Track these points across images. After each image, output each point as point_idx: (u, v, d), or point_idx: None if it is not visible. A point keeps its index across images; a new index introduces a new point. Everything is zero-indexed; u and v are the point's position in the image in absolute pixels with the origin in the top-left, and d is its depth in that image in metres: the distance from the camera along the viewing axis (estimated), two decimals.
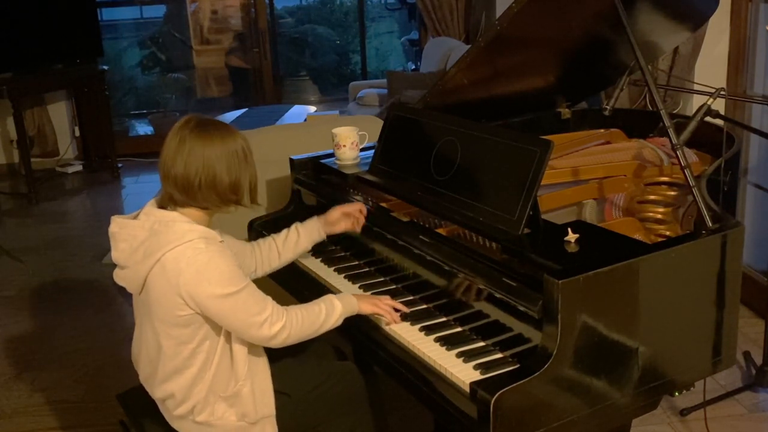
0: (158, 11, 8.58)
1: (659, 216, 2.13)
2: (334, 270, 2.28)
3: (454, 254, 1.88)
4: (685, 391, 1.87)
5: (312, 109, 6.44)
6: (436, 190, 2.07)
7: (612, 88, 2.56)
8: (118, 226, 1.87)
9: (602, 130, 2.73)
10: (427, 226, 2.07)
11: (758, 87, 3.69)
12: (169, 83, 8.43)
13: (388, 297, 2.00)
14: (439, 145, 2.11)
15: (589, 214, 2.14)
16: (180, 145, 1.80)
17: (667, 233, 2.02)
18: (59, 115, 6.63)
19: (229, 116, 6.24)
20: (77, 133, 6.78)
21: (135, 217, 1.88)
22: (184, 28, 8.13)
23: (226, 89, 8.31)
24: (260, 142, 3.21)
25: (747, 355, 3.14)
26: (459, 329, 1.88)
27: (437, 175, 2.09)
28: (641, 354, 1.70)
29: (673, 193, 2.24)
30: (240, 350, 1.90)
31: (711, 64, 3.73)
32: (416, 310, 2.00)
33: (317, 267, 2.34)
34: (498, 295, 1.74)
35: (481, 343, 1.81)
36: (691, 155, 2.36)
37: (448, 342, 1.82)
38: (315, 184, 2.54)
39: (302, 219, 2.60)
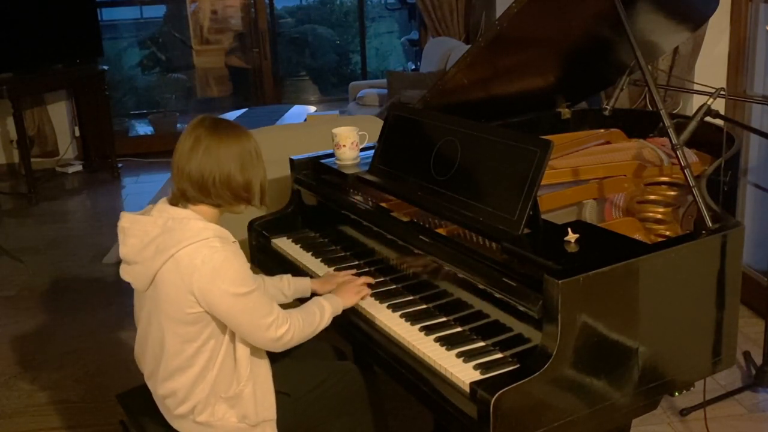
0: (158, 11, 8.58)
1: (659, 216, 2.13)
2: (335, 270, 2.28)
3: (454, 254, 1.88)
4: (685, 391, 1.87)
5: (312, 109, 6.44)
6: (436, 190, 2.07)
7: (612, 88, 2.56)
8: (129, 221, 1.87)
9: (602, 130, 2.73)
10: (427, 226, 2.07)
11: (758, 87, 3.69)
12: (169, 83, 8.43)
13: (352, 277, 2.12)
14: (439, 145, 2.11)
15: (589, 214, 2.14)
16: (195, 143, 1.83)
17: (667, 233, 2.02)
18: (59, 115, 6.63)
19: (229, 116, 6.23)
20: (77, 133, 6.78)
21: (145, 214, 1.89)
22: (184, 28, 8.13)
23: (226, 89, 8.31)
24: (260, 142, 3.20)
25: (747, 355, 3.14)
26: (459, 329, 1.89)
27: (437, 175, 2.09)
28: (641, 354, 1.70)
29: (673, 193, 2.24)
30: (243, 351, 1.90)
31: (711, 64, 3.74)
32: (416, 310, 2.00)
33: (317, 267, 2.34)
34: (498, 295, 1.74)
35: (481, 343, 1.81)
36: (691, 155, 2.36)
37: (448, 342, 1.82)
38: (315, 184, 2.54)
39: (303, 218, 2.61)
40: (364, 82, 7.30)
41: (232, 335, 1.89)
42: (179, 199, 1.87)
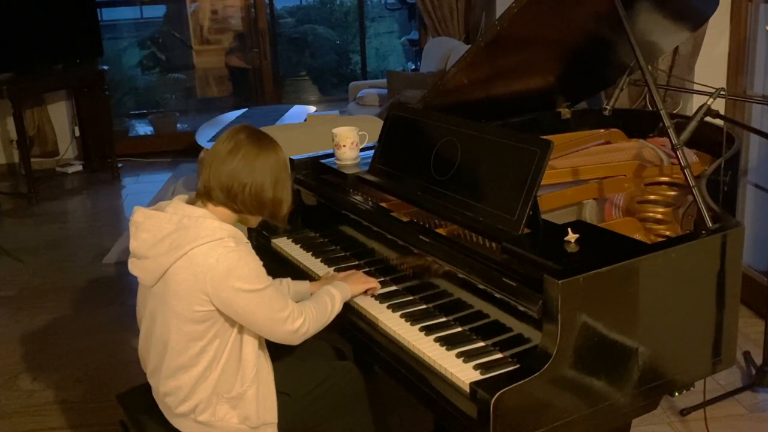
0: (158, 11, 8.58)
1: (659, 216, 2.13)
2: (335, 270, 2.28)
3: (454, 254, 1.88)
4: (685, 391, 1.87)
5: (312, 109, 6.44)
6: (435, 190, 2.07)
7: (612, 88, 2.56)
8: (143, 216, 1.88)
9: (602, 130, 2.73)
10: (427, 226, 2.07)
11: (758, 87, 3.69)
12: (169, 83, 8.43)
13: (357, 272, 2.15)
14: (439, 145, 2.11)
15: (589, 214, 2.14)
16: (235, 148, 1.86)
17: (667, 233, 2.02)
18: (59, 115, 6.63)
19: (229, 116, 6.24)
20: (77, 133, 6.78)
21: (158, 210, 1.89)
22: (184, 28, 8.12)
23: (226, 89, 8.31)
24: None
25: (747, 355, 3.14)
26: (459, 329, 1.89)
27: (437, 175, 2.09)
28: (641, 354, 1.71)
29: (673, 193, 2.24)
30: (250, 352, 1.91)
31: (711, 64, 3.73)
32: (416, 310, 2.00)
33: (317, 267, 2.34)
34: (498, 295, 1.74)
35: (481, 343, 1.81)
36: (691, 155, 2.36)
37: (448, 342, 1.82)
38: (315, 184, 2.54)
39: (303, 218, 2.61)
40: (364, 82, 7.30)
41: (238, 336, 1.89)
42: (201, 197, 1.89)
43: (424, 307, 2.01)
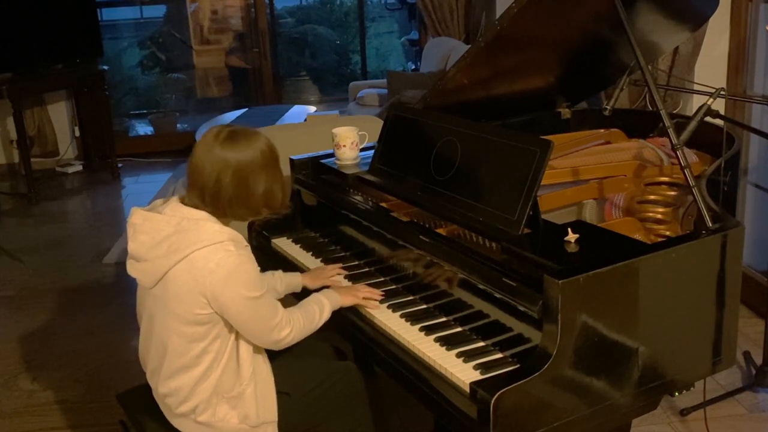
0: (158, 11, 8.58)
1: (659, 216, 2.13)
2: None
3: (454, 254, 1.88)
4: (685, 391, 1.87)
5: (312, 109, 6.44)
6: (435, 190, 2.07)
7: (612, 88, 2.56)
8: (141, 218, 1.87)
9: (602, 130, 2.73)
10: (427, 226, 2.07)
11: (758, 87, 3.69)
12: (169, 83, 8.43)
13: (363, 285, 2.10)
14: (439, 145, 2.11)
15: (589, 214, 2.14)
16: (207, 158, 1.81)
17: (667, 233, 2.02)
18: (59, 115, 6.63)
19: (229, 116, 6.24)
20: (77, 133, 6.78)
21: (154, 210, 1.88)
22: (184, 28, 8.12)
23: (226, 89, 8.31)
24: None
25: (747, 355, 3.14)
26: (459, 329, 1.89)
27: (437, 175, 2.09)
28: (641, 354, 1.71)
29: (673, 193, 2.24)
30: (246, 351, 1.91)
31: (711, 64, 3.73)
32: (416, 310, 2.00)
33: (318, 266, 2.34)
34: (498, 295, 1.74)
35: (481, 343, 1.81)
36: (691, 155, 2.36)
37: (448, 342, 1.82)
38: (315, 184, 2.55)
39: (303, 218, 2.61)
40: (364, 82, 7.30)
41: (237, 335, 1.89)
42: (194, 201, 1.86)
43: (424, 307, 2.01)
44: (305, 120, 5.10)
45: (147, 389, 2.03)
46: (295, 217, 2.63)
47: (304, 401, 2.02)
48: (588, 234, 1.79)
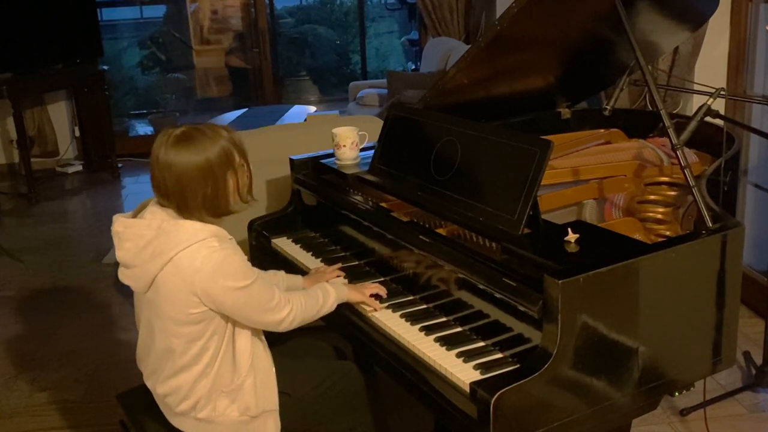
0: (158, 11, 8.59)
1: (659, 216, 2.13)
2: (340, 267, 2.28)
3: (454, 254, 1.88)
4: (685, 391, 1.87)
5: (312, 109, 6.44)
6: (435, 190, 2.07)
7: (612, 88, 2.56)
8: (122, 225, 1.87)
9: (602, 130, 2.74)
10: (427, 226, 2.07)
11: (758, 87, 3.69)
12: (169, 83, 8.43)
13: (369, 283, 2.11)
14: (439, 145, 2.11)
15: (589, 214, 2.14)
16: (156, 161, 1.82)
17: (667, 233, 2.02)
18: (59, 115, 6.63)
19: (229, 116, 6.24)
20: (77, 133, 6.78)
21: (136, 215, 1.89)
22: (184, 28, 8.13)
23: (226, 89, 8.32)
24: (260, 142, 3.21)
25: (747, 355, 3.14)
26: (459, 329, 1.89)
27: (437, 175, 2.09)
28: (641, 354, 1.70)
29: (673, 193, 2.24)
30: (243, 343, 1.91)
31: (711, 64, 3.73)
32: (416, 310, 2.00)
33: (318, 267, 2.34)
34: (498, 295, 1.74)
35: (481, 343, 1.81)
36: (691, 155, 2.36)
37: (448, 342, 1.82)
38: (315, 184, 2.54)
39: (303, 218, 2.61)
40: (364, 82, 7.30)
41: (231, 328, 1.90)
42: (162, 201, 1.86)
43: (424, 307, 2.01)
44: (305, 120, 5.10)
45: (147, 389, 2.03)
46: (295, 217, 2.63)
47: (304, 401, 2.02)
48: (588, 234, 1.79)
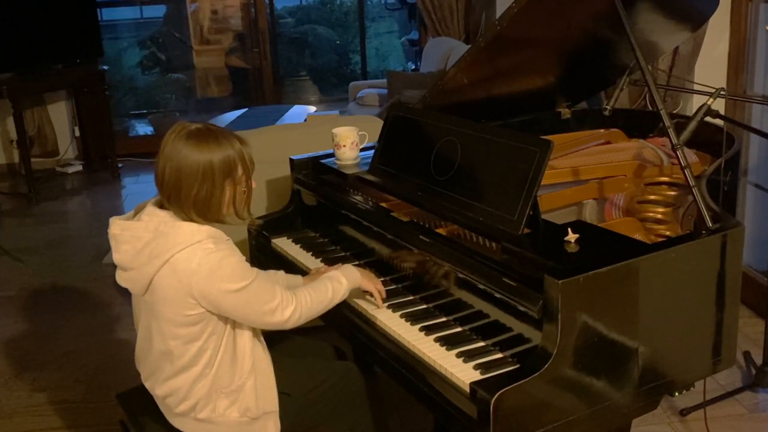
0: (158, 11, 8.58)
1: (659, 216, 2.13)
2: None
3: (454, 254, 1.88)
4: (685, 391, 1.87)
5: (312, 109, 6.43)
6: (436, 190, 2.07)
7: (612, 88, 2.56)
8: (119, 228, 1.87)
9: (602, 130, 2.74)
10: (427, 226, 2.07)
11: (758, 87, 3.69)
12: (169, 83, 8.43)
13: (379, 281, 2.07)
14: (439, 145, 2.11)
15: (589, 214, 2.14)
16: (163, 149, 1.83)
17: (667, 233, 2.02)
18: (59, 115, 6.62)
19: (229, 116, 6.24)
20: (77, 133, 6.78)
21: (134, 218, 1.89)
22: (184, 28, 8.13)
23: (226, 89, 8.31)
24: (260, 142, 3.21)
25: (747, 355, 3.14)
26: (459, 329, 1.89)
27: (437, 175, 2.09)
28: (641, 354, 1.70)
29: (673, 193, 2.24)
30: (244, 344, 1.91)
31: (711, 64, 3.73)
32: (416, 310, 2.00)
33: (318, 267, 2.34)
34: (498, 295, 1.74)
35: (481, 343, 1.81)
36: (691, 155, 2.36)
37: (448, 342, 1.82)
38: (315, 184, 2.55)
39: (303, 218, 2.61)
40: (364, 82, 7.30)
41: (231, 330, 1.89)
42: (162, 201, 1.87)
43: (424, 307, 2.01)
44: (305, 120, 5.10)
45: (147, 389, 2.03)
46: (295, 217, 2.63)
47: (304, 401, 2.02)
48: (588, 234, 1.79)
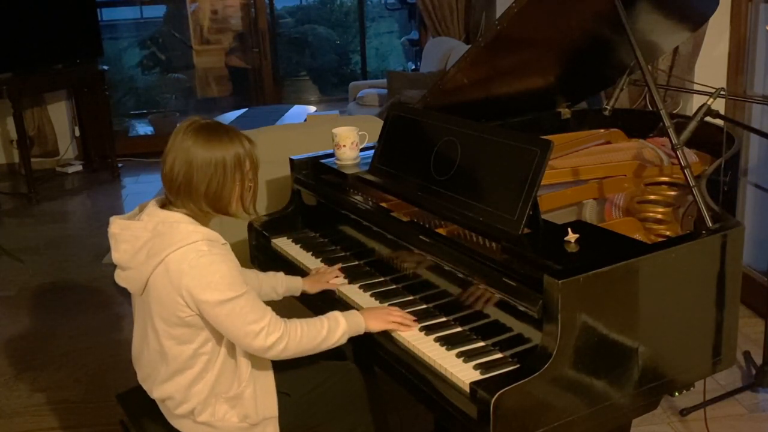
0: (158, 11, 8.58)
1: (659, 216, 2.13)
2: (340, 268, 2.28)
3: (454, 254, 1.88)
4: (685, 391, 1.87)
5: (312, 109, 6.44)
6: (436, 190, 2.07)
7: (612, 88, 2.56)
8: (119, 227, 1.87)
9: (602, 130, 2.74)
10: (427, 226, 2.07)
11: (758, 87, 3.69)
12: (169, 83, 8.43)
13: (396, 309, 1.96)
14: (439, 145, 2.11)
15: (589, 214, 2.14)
16: (173, 143, 1.83)
17: (667, 233, 2.02)
18: (59, 115, 6.63)
19: (229, 116, 6.24)
20: (77, 133, 6.78)
21: (134, 217, 1.89)
22: (184, 28, 8.13)
23: (226, 89, 8.31)
24: (260, 142, 3.20)
25: (747, 355, 3.14)
26: (459, 329, 1.88)
27: (437, 175, 2.09)
28: (641, 354, 1.70)
29: (673, 193, 2.24)
30: (244, 353, 1.90)
31: (711, 64, 3.73)
32: (416, 310, 2.00)
33: (317, 267, 2.33)
34: (498, 295, 1.74)
35: (481, 343, 1.81)
36: (691, 155, 2.36)
37: (448, 342, 1.82)
38: (315, 184, 2.54)
39: (303, 218, 2.61)
40: (364, 82, 7.30)
41: None
42: (166, 199, 1.87)
43: (424, 307, 2.01)
44: (305, 120, 5.10)
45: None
46: (295, 217, 2.63)
47: (304, 401, 2.02)
48: (588, 234, 1.79)
